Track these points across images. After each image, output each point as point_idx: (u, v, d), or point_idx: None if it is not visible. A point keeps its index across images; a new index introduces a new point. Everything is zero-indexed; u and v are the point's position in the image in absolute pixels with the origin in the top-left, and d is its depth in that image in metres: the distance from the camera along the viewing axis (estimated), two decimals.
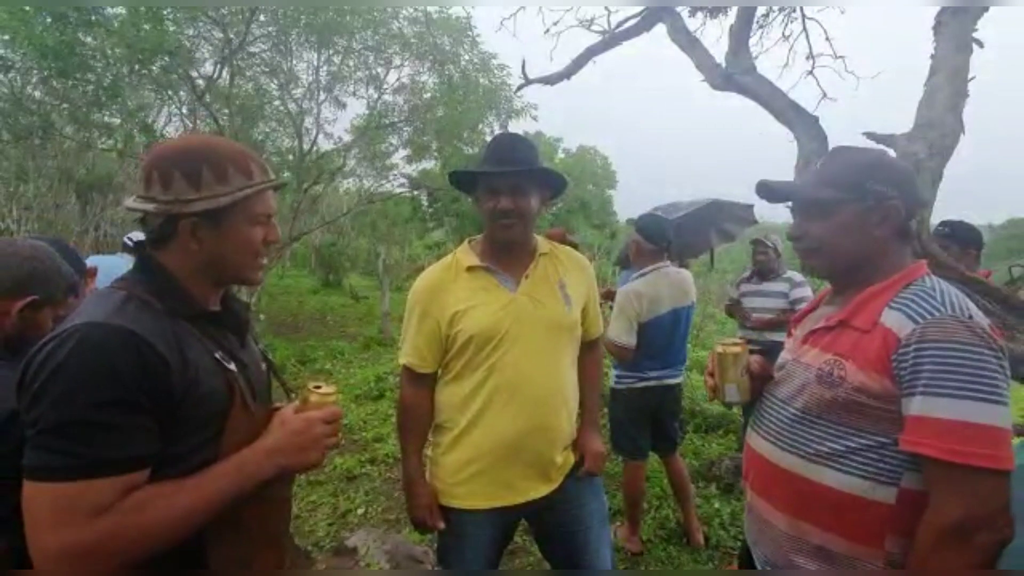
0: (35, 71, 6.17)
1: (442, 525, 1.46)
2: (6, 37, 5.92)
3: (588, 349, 1.64)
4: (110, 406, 0.74)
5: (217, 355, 0.89)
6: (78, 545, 0.71)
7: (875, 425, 0.95)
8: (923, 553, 0.87)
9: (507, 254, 1.48)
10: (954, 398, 0.85)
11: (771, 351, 1.72)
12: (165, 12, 6.40)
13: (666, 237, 2.62)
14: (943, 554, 0.85)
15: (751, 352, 1.24)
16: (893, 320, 0.95)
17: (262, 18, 7.40)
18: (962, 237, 2.52)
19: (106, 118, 6.95)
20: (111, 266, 2.43)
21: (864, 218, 1.03)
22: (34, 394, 0.73)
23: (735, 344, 1.20)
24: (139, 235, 1.62)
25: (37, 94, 6.94)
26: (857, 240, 1.04)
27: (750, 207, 4.17)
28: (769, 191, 1.16)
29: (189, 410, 0.82)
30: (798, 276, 3.60)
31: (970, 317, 0.90)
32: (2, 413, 0.90)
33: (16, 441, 0.77)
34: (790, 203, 1.15)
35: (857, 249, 1.05)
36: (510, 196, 1.40)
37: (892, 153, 2.15)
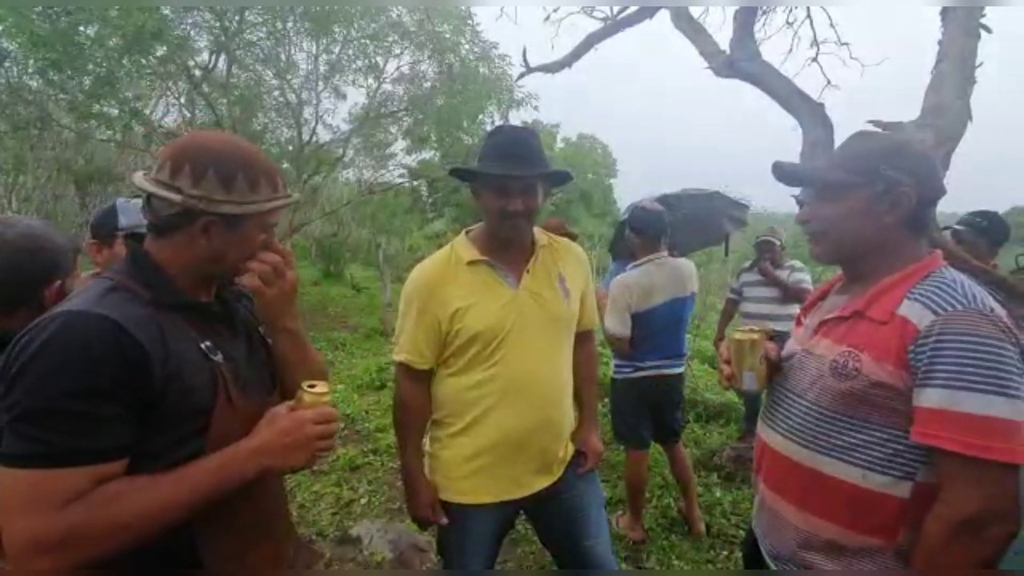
0: (32, 60, 6.11)
1: (444, 520, 1.45)
2: (1, 26, 5.85)
3: (581, 341, 1.61)
4: (84, 395, 0.73)
5: (203, 345, 0.88)
6: (47, 534, 0.70)
7: (891, 418, 0.93)
8: (933, 546, 0.86)
9: (508, 248, 1.45)
10: (976, 392, 0.84)
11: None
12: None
13: (655, 227, 2.59)
14: (953, 547, 0.84)
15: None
16: (912, 311, 0.92)
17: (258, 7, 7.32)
18: (995, 232, 2.33)
19: (104, 108, 6.89)
20: None
21: (873, 203, 1.00)
22: (11, 380, 0.72)
23: (753, 331, 1.16)
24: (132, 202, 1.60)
25: (35, 84, 6.86)
26: (864, 225, 1.02)
27: (716, 193, 4.17)
28: (784, 173, 1.14)
29: (172, 403, 0.80)
30: (798, 264, 3.66)
31: (991, 311, 0.88)
32: None
33: None
34: (797, 192, 1.13)
35: (864, 235, 1.03)
36: (521, 197, 1.34)
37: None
